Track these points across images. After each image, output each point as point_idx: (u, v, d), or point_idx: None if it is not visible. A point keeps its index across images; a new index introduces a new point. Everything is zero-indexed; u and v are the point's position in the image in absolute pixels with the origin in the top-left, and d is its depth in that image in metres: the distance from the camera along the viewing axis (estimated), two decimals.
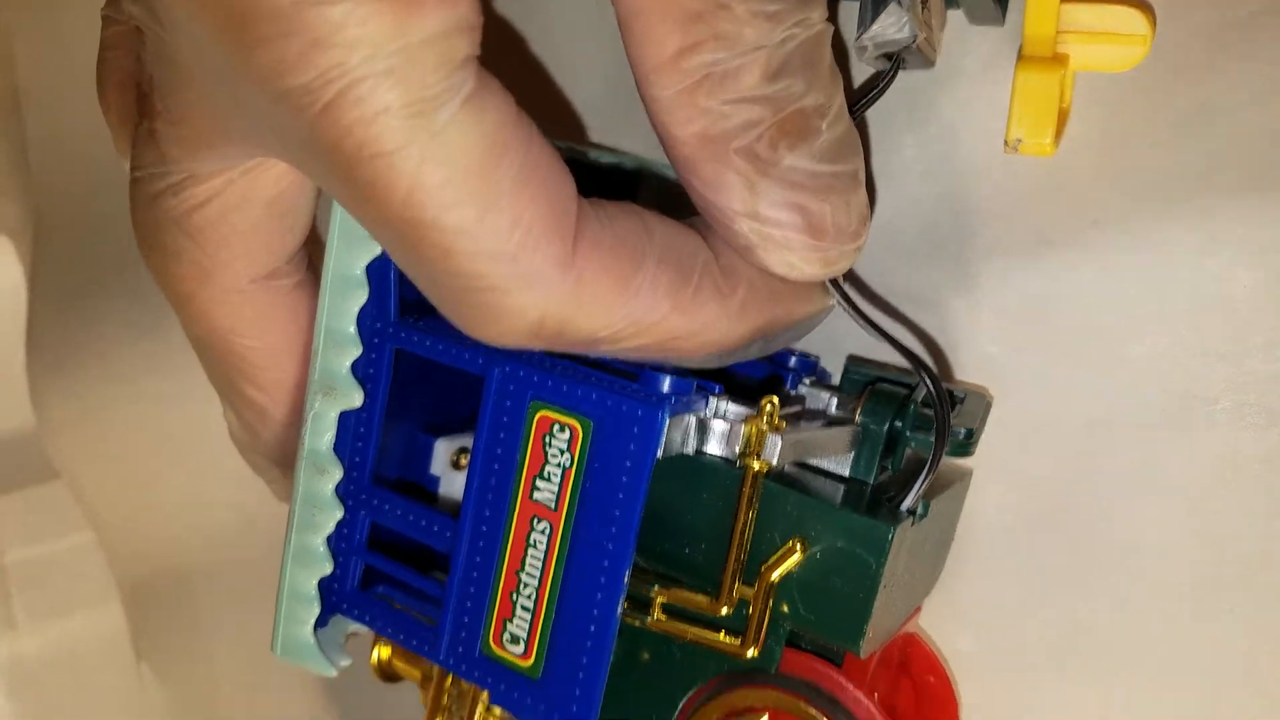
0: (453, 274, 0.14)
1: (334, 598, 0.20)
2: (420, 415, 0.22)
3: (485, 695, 0.20)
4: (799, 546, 0.16)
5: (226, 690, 0.32)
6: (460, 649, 0.19)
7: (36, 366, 0.33)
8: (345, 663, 0.21)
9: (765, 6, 0.14)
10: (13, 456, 0.39)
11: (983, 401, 0.19)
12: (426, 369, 0.20)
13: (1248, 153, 0.18)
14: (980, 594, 0.21)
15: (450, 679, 0.21)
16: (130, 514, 0.32)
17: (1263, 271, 0.18)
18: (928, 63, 0.18)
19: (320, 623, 0.20)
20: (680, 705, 0.18)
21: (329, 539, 0.20)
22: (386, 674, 0.24)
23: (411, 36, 0.13)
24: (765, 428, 0.16)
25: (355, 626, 0.22)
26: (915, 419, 0.18)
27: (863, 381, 0.19)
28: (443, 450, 0.23)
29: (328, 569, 0.20)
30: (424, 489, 0.22)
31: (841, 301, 0.17)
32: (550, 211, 0.14)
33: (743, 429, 0.16)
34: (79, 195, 0.30)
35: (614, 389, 0.17)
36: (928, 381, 0.17)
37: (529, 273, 0.15)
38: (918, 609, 0.20)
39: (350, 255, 0.18)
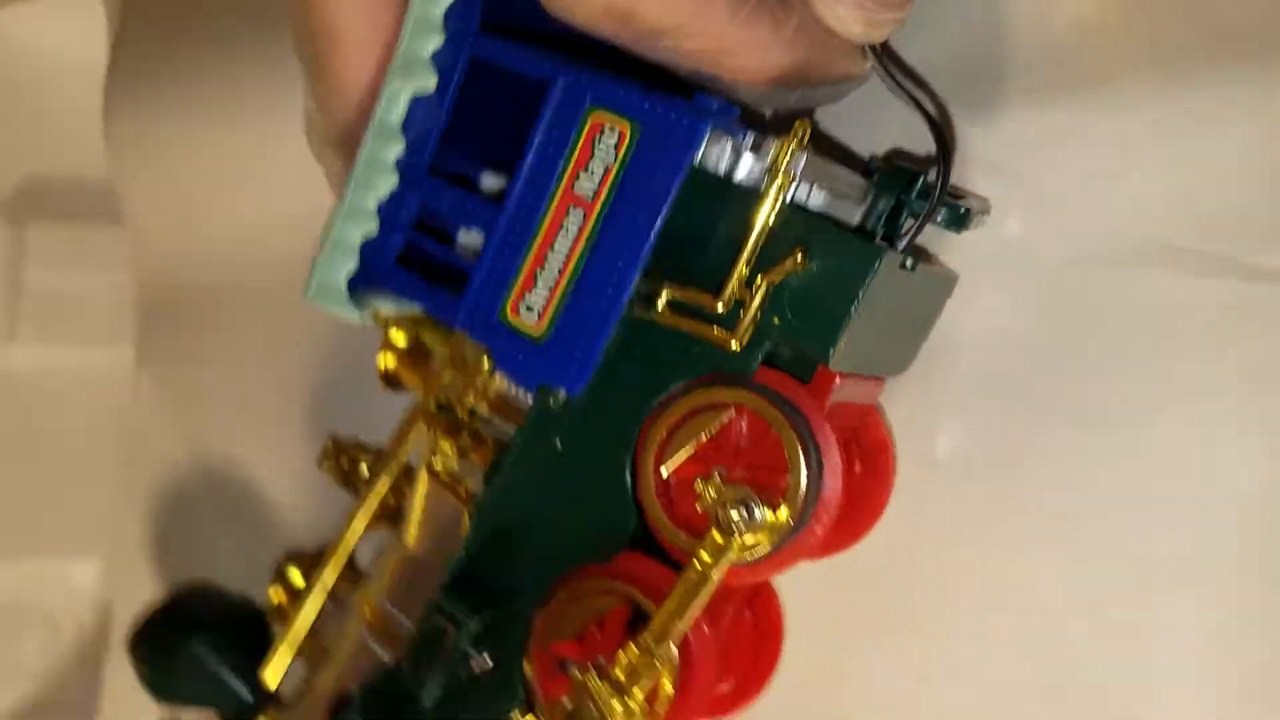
0: None
1: (372, 262, 0.23)
2: (476, 147, 0.24)
3: (484, 371, 0.22)
4: (800, 256, 0.19)
5: (218, 409, 0.35)
6: (479, 314, 0.21)
7: (117, 109, 0.35)
8: (368, 318, 0.23)
9: None
10: (82, 197, 0.41)
11: (983, 203, 0.22)
12: (493, 105, 0.22)
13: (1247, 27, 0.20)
14: (957, 399, 0.23)
15: (448, 372, 0.24)
16: (176, 230, 0.34)
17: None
18: None
19: (354, 285, 0.23)
20: (659, 398, 0.20)
21: (380, 205, 0.22)
22: (390, 381, 0.27)
23: None
24: (795, 144, 0.18)
25: (382, 305, 0.24)
26: (922, 189, 0.20)
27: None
28: (489, 182, 0.25)
29: (373, 231, 0.22)
30: None
31: (878, 67, 0.19)
32: None
33: (774, 146, 0.18)
34: None
35: (667, 99, 0.19)
36: (940, 143, 0.19)
37: None
38: (881, 381, 0.22)
39: None
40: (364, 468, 0.26)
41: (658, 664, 0.19)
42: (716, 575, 0.19)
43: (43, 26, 0.40)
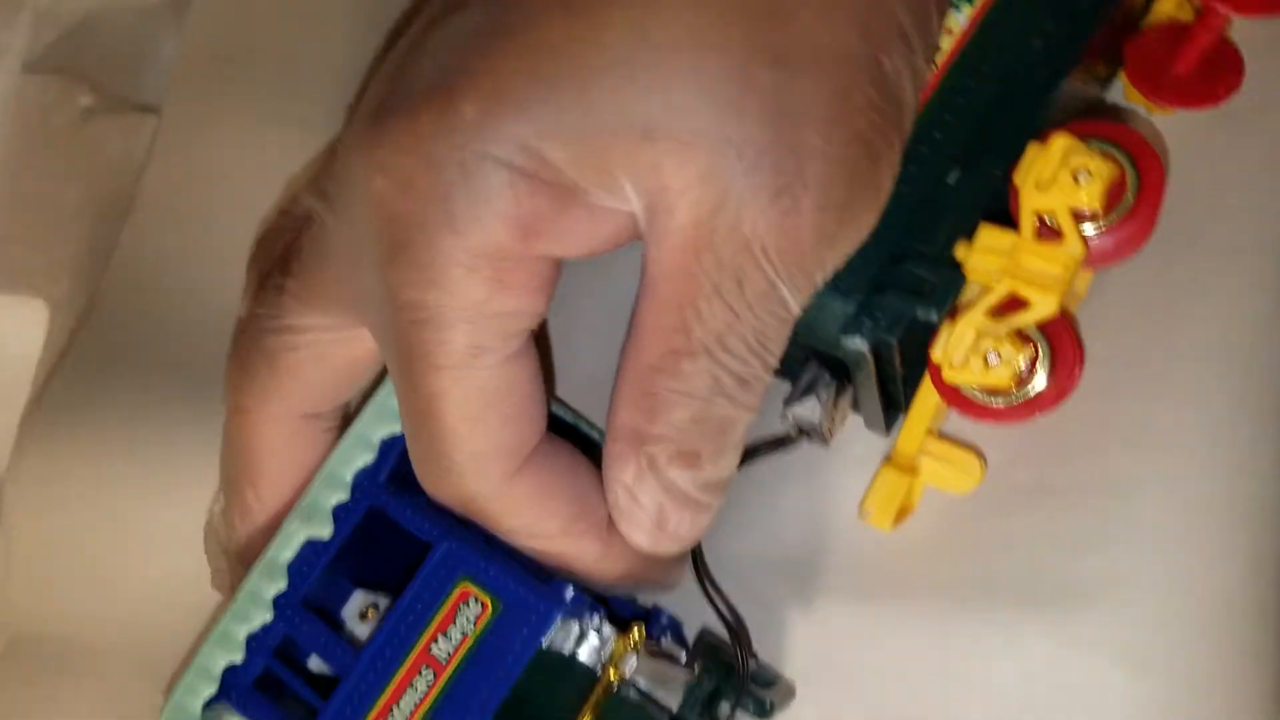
0: (434, 450, 0.20)
1: (230, 685, 0.24)
2: (353, 570, 0.26)
3: None
4: None
5: None
6: None
7: (40, 424, 0.36)
8: None
9: (722, 378, 0.20)
10: None
11: (789, 689, 0.24)
12: (377, 538, 0.25)
13: (1018, 582, 0.24)
14: None
15: None
16: (46, 579, 0.35)
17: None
18: (824, 442, 0.24)
19: (209, 703, 0.24)
20: None
21: (250, 635, 0.24)
22: None
23: (492, 308, 0.19)
24: (629, 646, 0.21)
25: None
26: (736, 682, 0.22)
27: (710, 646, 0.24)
28: (358, 599, 0.27)
29: (238, 658, 0.24)
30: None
31: (696, 578, 0.23)
32: (517, 441, 0.21)
33: (613, 642, 0.21)
34: (145, 299, 0.36)
35: (529, 584, 0.22)
36: (739, 651, 0.22)
37: (479, 472, 0.21)
38: None
39: (375, 425, 0.24)
40: None
41: None
42: None
43: None
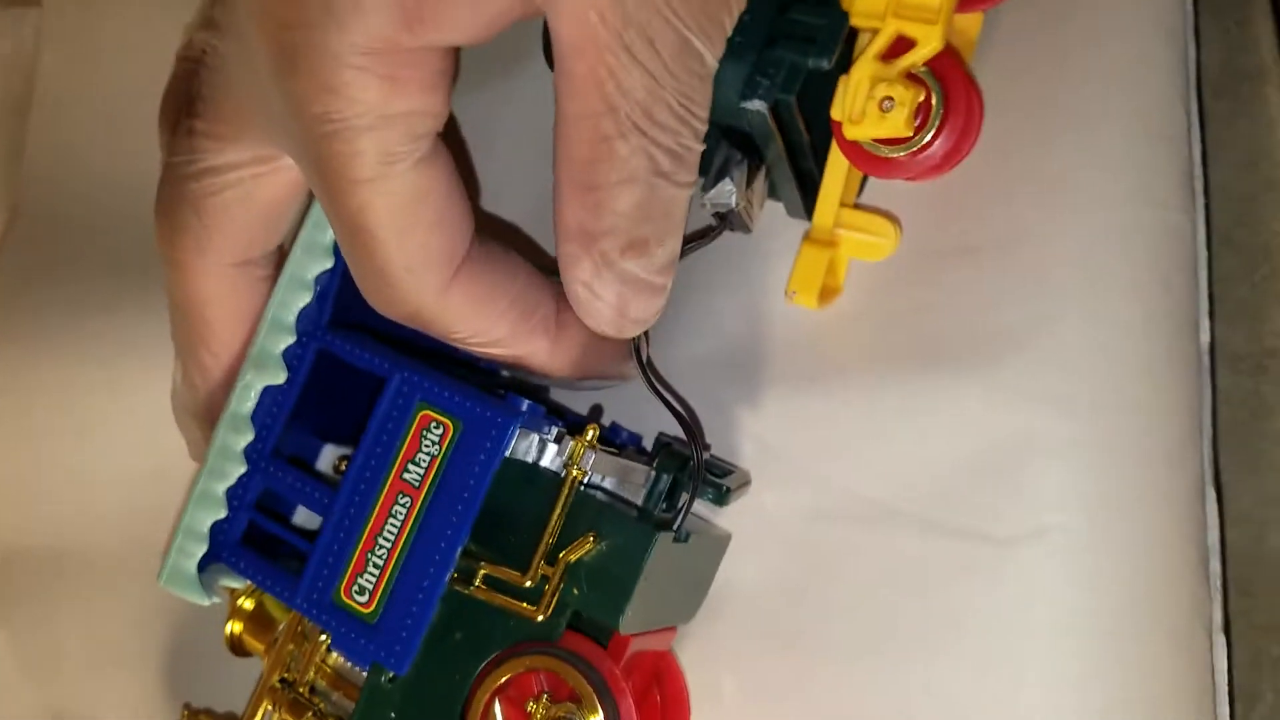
0: (370, 265, 0.21)
1: (219, 542, 0.25)
2: (319, 423, 0.27)
3: (323, 645, 0.24)
4: (592, 539, 0.22)
5: (70, 663, 0.35)
6: (315, 596, 0.23)
7: None
8: (217, 600, 0.25)
9: (656, 155, 0.21)
10: None
11: (744, 477, 0.26)
12: (334, 387, 0.26)
13: (945, 340, 0.26)
14: (736, 642, 0.27)
15: (290, 646, 0.26)
16: (23, 490, 0.35)
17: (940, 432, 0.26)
18: (746, 229, 0.25)
19: (203, 563, 0.25)
20: (479, 669, 0.23)
21: (228, 490, 0.25)
22: (236, 648, 0.28)
23: (391, 109, 0.19)
24: (587, 445, 0.22)
25: (228, 581, 0.26)
26: (693, 472, 0.24)
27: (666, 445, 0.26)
28: (329, 454, 0.28)
29: (222, 515, 0.25)
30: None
31: (640, 371, 0.24)
32: (448, 246, 0.21)
33: (570, 444, 0.22)
34: (66, 196, 0.35)
35: (484, 401, 0.23)
36: (692, 442, 0.23)
37: (417, 282, 0.21)
38: (673, 630, 0.26)
39: (307, 262, 0.24)
40: None
41: None
42: None
43: None
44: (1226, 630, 0.27)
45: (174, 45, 0.34)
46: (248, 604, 0.28)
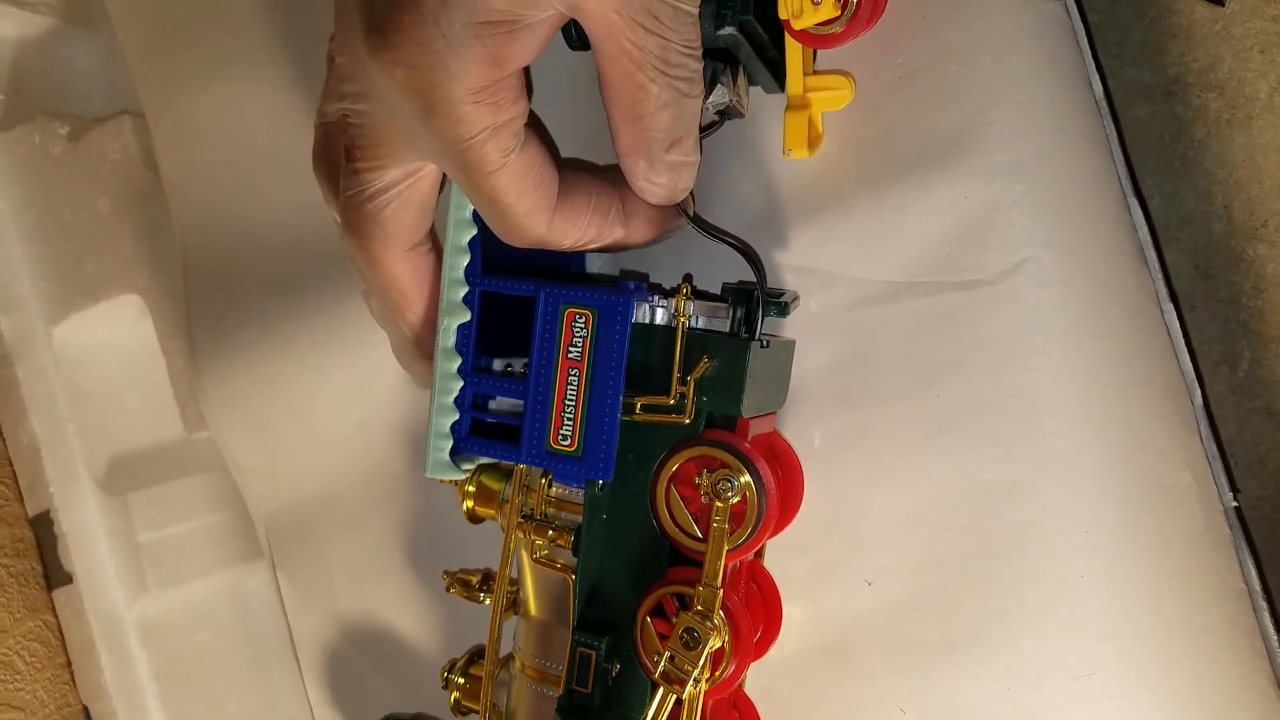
0: (505, 219, 0.31)
1: (457, 436, 0.35)
2: (491, 344, 0.37)
3: (548, 479, 0.35)
4: (706, 359, 0.32)
5: (339, 584, 0.47)
6: (533, 450, 0.34)
7: (207, 380, 0.47)
8: (468, 469, 0.36)
9: (676, 84, 0.30)
10: (170, 459, 0.53)
11: (794, 294, 0.36)
12: (497, 316, 0.35)
13: (911, 148, 0.35)
14: (817, 409, 0.37)
15: (519, 497, 0.36)
16: (273, 460, 0.46)
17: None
18: (740, 115, 0.34)
19: (451, 453, 0.35)
20: (654, 469, 0.33)
21: (455, 399, 0.35)
22: (472, 517, 0.39)
23: (498, 119, 0.29)
24: (685, 298, 0.32)
25: (468, 464, 0.36)
26: (757, 298, 0.34)
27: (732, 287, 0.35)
28: (497, 365, 0.38)
29: (454, 418, 0.35)
30: None
31: (690, 222, 0.34)
32: (547, 195, 0.31)
33: (674, 301, 0.32)
34: (221, 246, 0.46)
35: (606, 291, 0.33)
36: (751, 263, 0.33)
37: (534, 222, 0.31)
38: (773, 415, 0.36)
39: (459, 234, 0.34)
40: (475, 581, 0.39)
41: (714, 628, 0.31)
42: (724, 545, 0.31)
43: (93, 330, 0.52)
44: (1174, 301, 0.36)
45: (256, 118, 0.44)
46: (470, 487, 0.39)
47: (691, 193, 0.33)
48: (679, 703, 0.32)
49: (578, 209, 0.32)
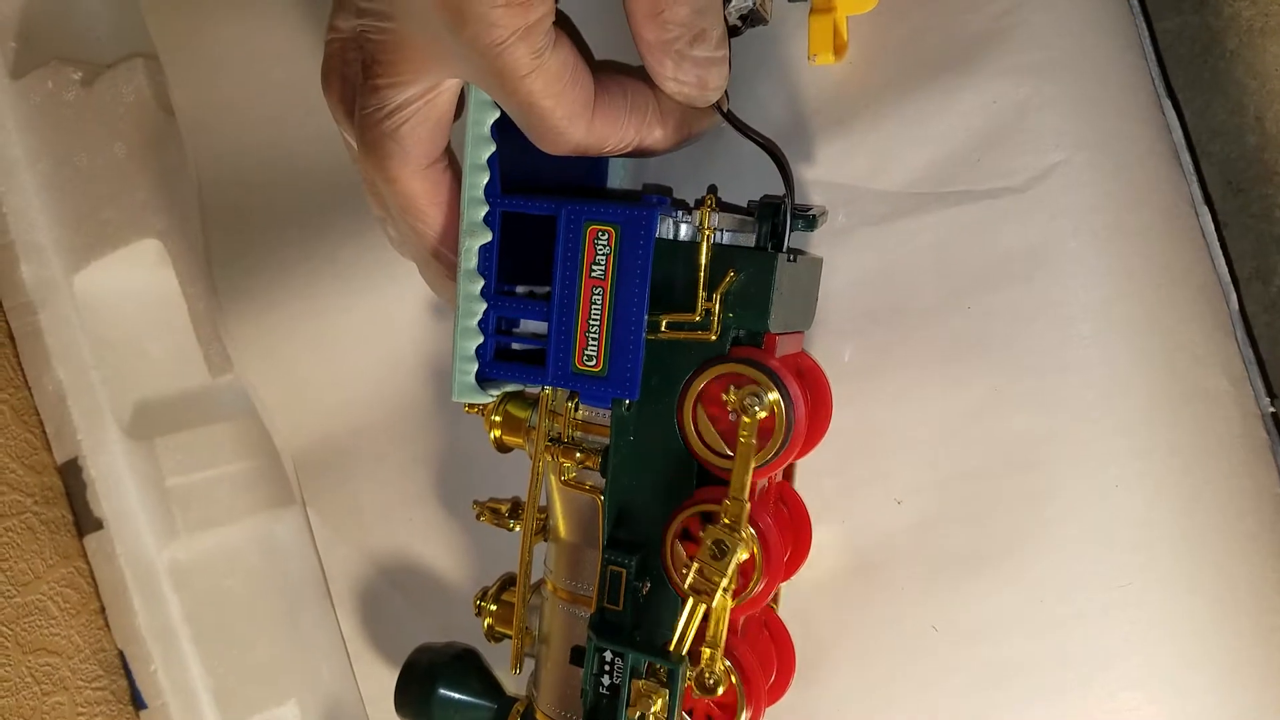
0: (543, 124, 0.30)
1: (483, 361, 0.35)
2: (511, 267, 0.36)
3: (574, 402, 0.34)
4: (731, 274, 0.32)
5: (369, 516, 0.47)
6: (559, 372, 0.33)
7: (231, 320, 0.47)
8: (494, 396, 0.36)
9: None
10: (195, 404, 0.53)
11: (822, 208, 0.35)
12: (516, 240, 0.35)
13: (937, 53, 0.34)
14: (845, 325, 0.37)
15: (545, 421, 0.36)
16: (299, 397, 0.47)
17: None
18: (764, 21, 0.33)
19: (477, 377, 0.35)
20: (680, 387, 0.33)
21: (479, 322, 0.35)
22: (500, 446, 0.39)
23: (530, 19, 0.28)
24: (710, 209, 0.31)
25: (494, 389, 0.36)
26: (783, 212, 0.33)
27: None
28: (521, 290, 0.38)
29: (479, 341, 0.35)
30: None
31: (727, 120, 0.33)
32: (584, 97, 0.30)
33: (698, 213, 0.32)
34: (238, 185, 0.45)
35: (629, 206, 0.32)
36: (780, 168, 0.32)
37: (573, 125, 0.30)
38: (801, 335, 0.35)
39: (477, 151, 0.33)
40: (504, 509, 0.39)
41: (742, 539, 0.31)
42: (750, 459, 0.31)
43: (113, 276, 0.52)
44: (1209, 202, 0.36)
45: (269, 51, 0.44)
46: (497, 416, 0.38)
47: (726, 92, 0.33)
48: (708, 617, 0.31)
49: (616, 109, 0.31)
